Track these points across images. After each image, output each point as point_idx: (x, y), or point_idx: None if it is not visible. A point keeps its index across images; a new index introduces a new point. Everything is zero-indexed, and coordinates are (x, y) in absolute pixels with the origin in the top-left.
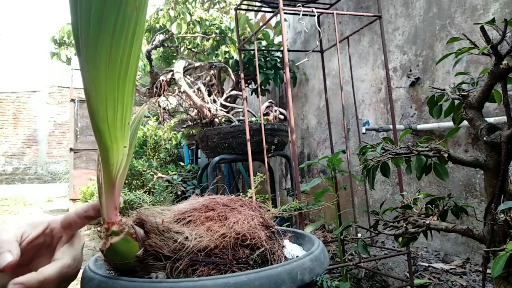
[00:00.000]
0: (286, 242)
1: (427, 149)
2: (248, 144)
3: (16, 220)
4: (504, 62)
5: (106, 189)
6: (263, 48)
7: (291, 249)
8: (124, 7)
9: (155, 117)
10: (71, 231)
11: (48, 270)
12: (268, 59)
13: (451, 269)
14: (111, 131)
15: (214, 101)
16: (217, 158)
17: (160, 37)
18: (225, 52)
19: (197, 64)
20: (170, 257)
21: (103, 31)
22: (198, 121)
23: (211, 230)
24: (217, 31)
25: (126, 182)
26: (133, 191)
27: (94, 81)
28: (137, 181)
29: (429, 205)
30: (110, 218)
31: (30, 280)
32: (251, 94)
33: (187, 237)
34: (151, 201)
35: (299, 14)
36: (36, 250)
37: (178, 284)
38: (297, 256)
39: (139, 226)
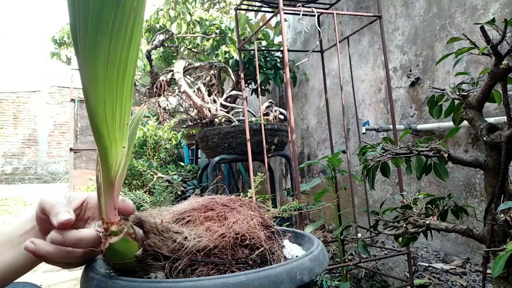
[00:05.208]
0: (286, 242)
1: (427, 149)
2: (248, 144)
3: (57, 193)
4: (504, 62)
5: (105, 189)
6: (263, 48)
7: (291, 249)
8: (121, 7)
9: (155, 117)
10: None
11: (86, 231)
12: (268, 59)
13: (451, 269)
14: (110, 131)
15: (214, 101)
16: (217, 158)
17: (160, 37)
18: (225, 52)
19: (197, 64)
20: (169, 257)
21: (101, 32)
22: (198, 121)
23: (210, 230)
24: (217, 31)
25: (126, 182)
26: (133, 191)
27: (92, 82)
28: (137, 181)
29: (429, 205)
30: (109, 218)
31: (68, 233)
32: (251, 94)
33: (186, 237)
34: (151, 201)
35: (299, 14)
36: None
37: (177, 284)
38: (296, 256)
39: (138, 226)
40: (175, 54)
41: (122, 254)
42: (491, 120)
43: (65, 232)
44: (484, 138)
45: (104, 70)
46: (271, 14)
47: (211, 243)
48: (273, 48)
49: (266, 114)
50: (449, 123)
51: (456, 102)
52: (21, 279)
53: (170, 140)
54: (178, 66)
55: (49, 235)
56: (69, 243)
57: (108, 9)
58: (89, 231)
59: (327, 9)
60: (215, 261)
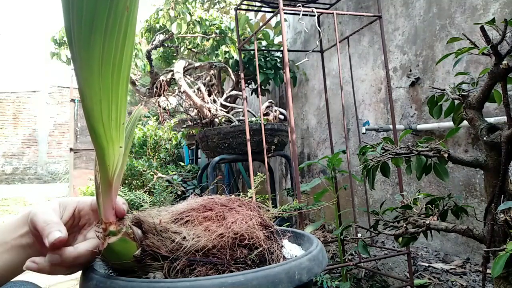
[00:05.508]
0: (285, 242)
1: (427, 149)
2: (248, 144)
3: (46, 202)
4: (504, 62)
5: (103, 189)
6: (263, 48)
7: (290, 249)
8: (115, 7)
9: (155, 117)
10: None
11: (82, 247)
12: (268, 59)
13: (451, 269)
14: (106, 131)
15: (214, 101)
16: (217, 158)
17: (160, 37)
18: (225, 52)
19: (197, 64)
20: (168, 257)
21: (95, 31)
22: (198, 121)
23: (209, 230)
24: (217, 31)
25: (126, 182)
26: (133, 191)
27: (88, 81)
28: (137, 181)
29: (429, 205)
30: (107, 218)
31: (66, 253)
32: (251, 94)
33: (184, 237)
34: (151, 201)
35: (299, 14)
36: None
37: (176, 284)
38: (295, 256)
39: (137, 226)
40: (175, 54)
41: (120, 254)
42: (491, 120)
43: (63, 252)
44: (484, 138)
45: (99, 68)
46: (271, 14)
47: (209, 243)
48: (273, 48)
49: (266, 114)
50: (449, 123)
51: (456, 102)
52: (22, 277)
53: (170, 140)
54: (178, 66)
55: (47, 257)
56: (68, 262)
57: (101, 8)
58: (85, 246)
59: (327, 9)
60: (214, 261)
